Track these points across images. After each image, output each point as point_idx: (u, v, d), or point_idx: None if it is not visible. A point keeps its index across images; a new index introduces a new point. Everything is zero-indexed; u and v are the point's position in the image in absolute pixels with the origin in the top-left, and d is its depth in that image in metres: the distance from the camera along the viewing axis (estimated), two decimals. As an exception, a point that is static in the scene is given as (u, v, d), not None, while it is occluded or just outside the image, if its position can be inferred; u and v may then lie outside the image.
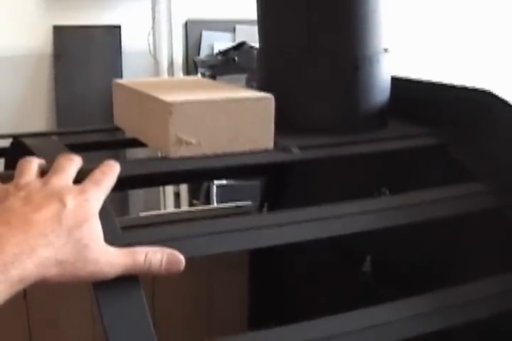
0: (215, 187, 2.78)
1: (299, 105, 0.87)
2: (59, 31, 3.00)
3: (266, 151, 0.79)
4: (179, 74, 3.14)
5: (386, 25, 0.87)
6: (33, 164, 0.62)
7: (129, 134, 0.93)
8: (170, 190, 3.12)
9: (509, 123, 0.82)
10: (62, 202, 0.55)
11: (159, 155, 0.79)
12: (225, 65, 2.91)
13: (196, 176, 1.30)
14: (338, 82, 0.86)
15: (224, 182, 2.75)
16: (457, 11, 3.55)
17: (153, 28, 3.13)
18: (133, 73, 3.02)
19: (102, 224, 0.57)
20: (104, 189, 0.60)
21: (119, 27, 3.06)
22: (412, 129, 0.91)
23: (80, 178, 0.61)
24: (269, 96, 0.78)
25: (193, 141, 0.74)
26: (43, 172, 0.62)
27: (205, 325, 1.31)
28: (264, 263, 1.29)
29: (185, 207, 3.03)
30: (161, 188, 3.10)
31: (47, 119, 3.08)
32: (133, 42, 3.10)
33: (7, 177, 0.61)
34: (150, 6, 3.12)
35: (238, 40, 3.07)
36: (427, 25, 3.49)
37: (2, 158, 0.95)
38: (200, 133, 0.75)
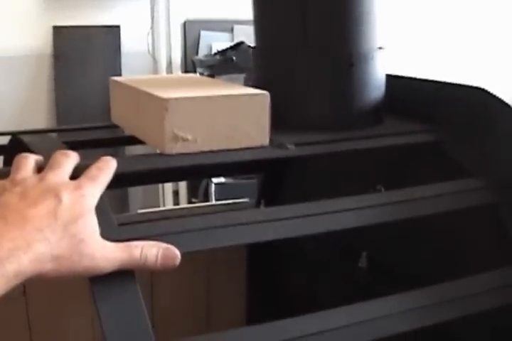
0: (213, 185, 2.77)
1: (295, 102, 0.88)
2: (59, 31, 3.00)
3: (262, 148, 0.79)
4: (178, 73, 3.14)
5: (381, 23, 0.88)
6: (30, 160, 0.63)
7: (127, 131, 0.93)
8: (169, 188, 3.12)
9: (504, 120, 0.83)
10: (58, 198, 0.56)
11: (157, 152, 0.79)
12: (223, 65, 2.92)
13: (193, 173, 1.31)
14: (333, 79, 0.87)
15: (222, 180, 2.75)
16: (453, 9, 3.55)
17: (152, 28, 3.14)
18: (132, 73, 3.02)
19: (98, 219, 0.57)
20: (100, 185, 0.60)
21: (119, 27, 3.07)
22: (408, 126, 0.91)
23: (76, 174, 0.61)
24: (264, 93, 0.78)
25: (189, 138, 0.75)
26: (40, 169, 0.62)
27: (204, 320, 1.31)
28: (262, 258, 1.29)
29: (183, 205, 3.04)
30: (160, 187, 3.11)
31: (47, 119, 3.08)
32: (132, 42, 3.11)
33: (4, 173, 0.61)
34: (149, 6, 3.13)
35: (236, 40, 3.08)
36: (423, 22, 3.49)
37: (1, 156, 0.95)
38: (196, 129, 0.75)
